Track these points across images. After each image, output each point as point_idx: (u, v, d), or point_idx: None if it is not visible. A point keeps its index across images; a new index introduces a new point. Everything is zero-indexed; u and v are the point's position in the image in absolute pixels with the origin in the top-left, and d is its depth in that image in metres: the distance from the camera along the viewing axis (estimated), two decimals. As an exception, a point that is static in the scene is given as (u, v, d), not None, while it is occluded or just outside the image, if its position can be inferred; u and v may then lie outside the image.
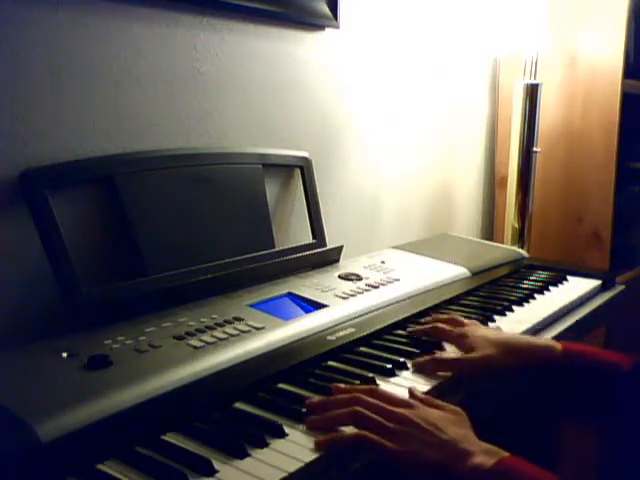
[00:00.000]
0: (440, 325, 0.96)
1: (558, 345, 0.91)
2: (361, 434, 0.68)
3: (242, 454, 0.64)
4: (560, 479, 0.64)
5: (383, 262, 1.30)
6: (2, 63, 0.90)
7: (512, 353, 0.89)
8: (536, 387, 0.93)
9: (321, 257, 1.26)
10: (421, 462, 0.66)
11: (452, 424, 0.70)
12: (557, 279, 1.32)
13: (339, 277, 1.18)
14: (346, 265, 1.27)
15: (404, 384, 0.81)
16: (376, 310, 1.05)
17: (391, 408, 0.71)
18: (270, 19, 1.26)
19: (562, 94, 1.86)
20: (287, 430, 0.69)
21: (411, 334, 0.97)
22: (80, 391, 0.70)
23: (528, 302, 1.16)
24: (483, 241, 1.74)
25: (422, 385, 0.81)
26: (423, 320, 1.02)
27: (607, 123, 1.79)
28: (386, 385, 0.81)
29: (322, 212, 1.32)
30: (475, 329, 0.95)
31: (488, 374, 0.88)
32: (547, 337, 1.04)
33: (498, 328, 1.01)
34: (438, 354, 0.90)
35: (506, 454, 0.67)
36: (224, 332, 0.88)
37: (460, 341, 0.92)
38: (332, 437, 0.67)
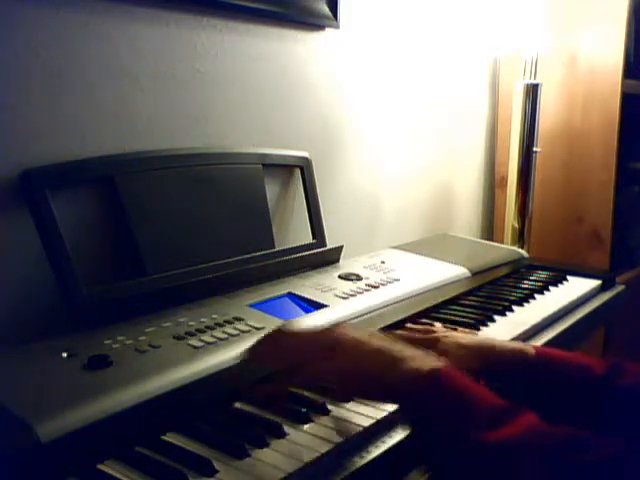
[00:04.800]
0: (412, 332, 0.95)
1: (531, 349, 0.88)
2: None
3: (242, 454, 0.64)
4: (498, 396, 0.62)
5: (383, 262, 1.30)
6: (2, 63, 0.90)
7: (482, 357, 0.87)
8: (510, 390, 0.90)
9: (321, 257, 1.26)
10: (355, 374, 0.66)
11: (376, 338, 0.69)
12: (557, 279, 1.32)
13: (339, 277, 1.18)
14: (346, 265, 1.27)
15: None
16: (376, 310, 1.05)
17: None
18: (270, 19, 1.26)
19: (562, 94, 1.86)
20: (287, 430, 0.69)
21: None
22: (80, 391, 0.70)
23: (528, 302, 1.16)
24: (483, 241, 1.75)
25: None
26: (398, 331, 0.99)
27: (607, 123, 1.79)
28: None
29: (322, 212, 1.32)
30: (447, 334, 0.93)
31: None
32: (534, 342, 1.00)
33: (472, 333, 0.99)
34: None
35: (443, 363, 0.66)
36: (224, 332, 0.88)
37: (432, 346, 0.90)
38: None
